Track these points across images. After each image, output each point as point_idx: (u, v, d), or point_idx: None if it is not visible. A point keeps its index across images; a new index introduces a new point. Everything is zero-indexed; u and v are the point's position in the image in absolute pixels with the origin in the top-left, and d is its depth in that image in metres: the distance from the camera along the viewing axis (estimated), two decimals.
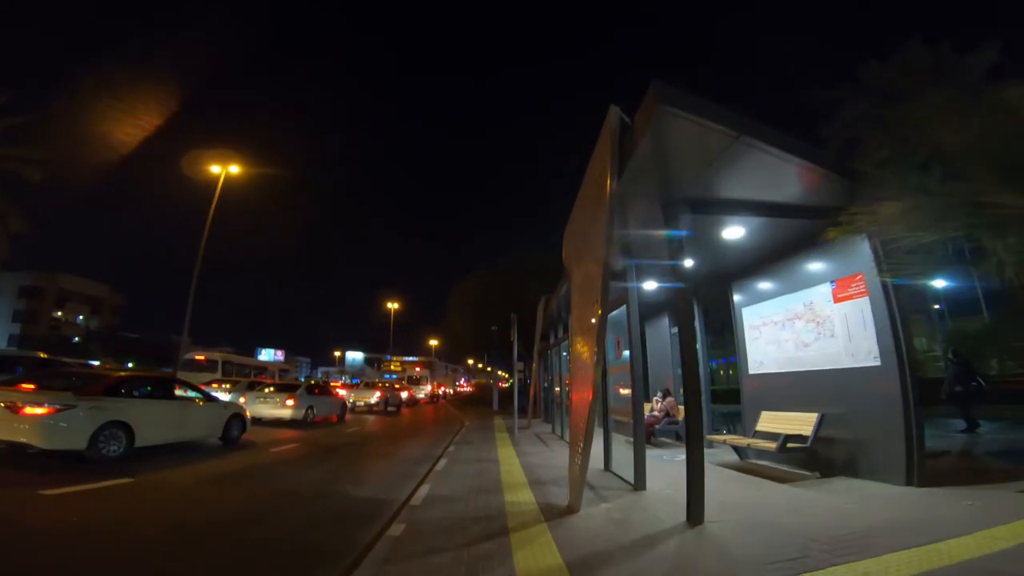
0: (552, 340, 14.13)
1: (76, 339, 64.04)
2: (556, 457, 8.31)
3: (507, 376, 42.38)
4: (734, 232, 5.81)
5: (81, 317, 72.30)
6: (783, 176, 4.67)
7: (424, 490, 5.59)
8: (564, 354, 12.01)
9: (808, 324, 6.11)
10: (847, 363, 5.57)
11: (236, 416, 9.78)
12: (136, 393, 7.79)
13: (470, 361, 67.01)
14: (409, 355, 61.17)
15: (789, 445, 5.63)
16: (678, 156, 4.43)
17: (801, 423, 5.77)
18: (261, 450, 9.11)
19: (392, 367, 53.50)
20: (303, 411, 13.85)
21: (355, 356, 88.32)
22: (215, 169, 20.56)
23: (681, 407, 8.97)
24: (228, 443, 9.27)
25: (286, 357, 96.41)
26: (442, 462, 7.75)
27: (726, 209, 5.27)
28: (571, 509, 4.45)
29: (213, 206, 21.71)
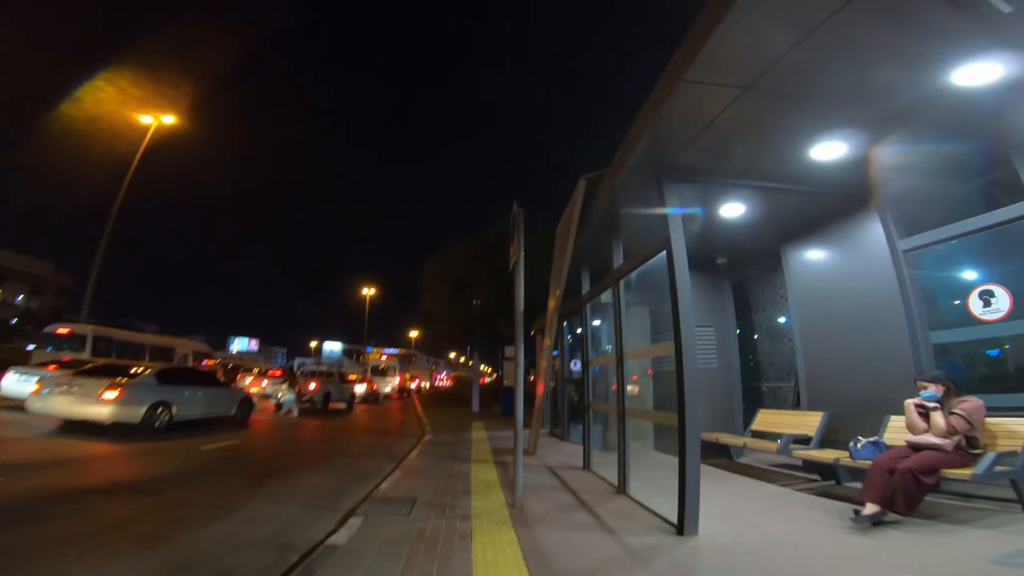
0: (587, 289, 7.22)
1: (14, 320, 57.60)
2: None
3: (490, 370, 37.04)
4: None
5: (21, 297, 65.83)
6: None
7: None
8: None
9: None
10: None
11: None
12: None
13: (452, 355, 62.70)
14: (391, 347, 55.77)
15: None
16: None
17: None
18: None
19: (372, 358, 48.25)
20: (141, 410, 8.17)
21: (333, 347, 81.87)
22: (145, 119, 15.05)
23: (1002, 421, 3.32)
24: None
25: (261, 347, 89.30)
26: None
27: None
28: None
29: (135, 163, 16.38)
